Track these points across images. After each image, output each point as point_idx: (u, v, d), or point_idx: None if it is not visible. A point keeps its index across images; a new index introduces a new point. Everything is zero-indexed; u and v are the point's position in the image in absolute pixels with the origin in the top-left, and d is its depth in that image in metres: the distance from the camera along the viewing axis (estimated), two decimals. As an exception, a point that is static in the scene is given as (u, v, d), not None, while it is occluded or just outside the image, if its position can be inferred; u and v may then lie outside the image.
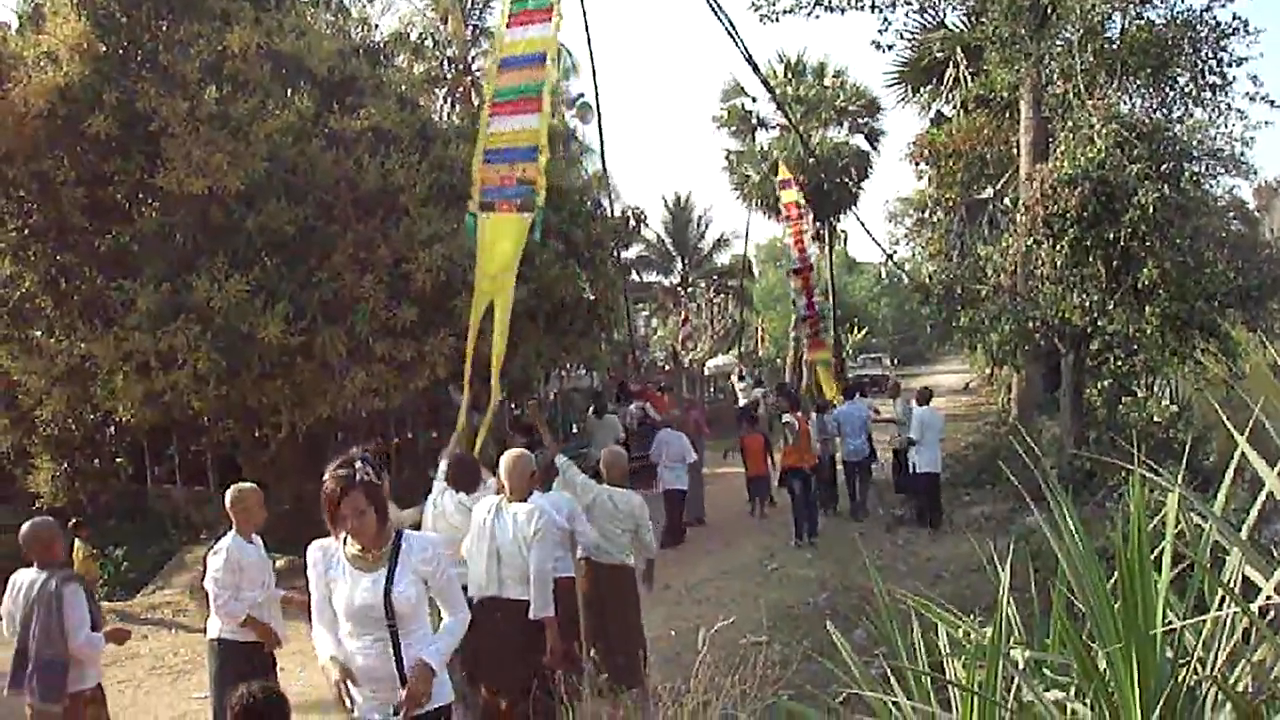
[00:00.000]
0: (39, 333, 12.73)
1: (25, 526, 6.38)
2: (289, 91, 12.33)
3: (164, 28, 12.21)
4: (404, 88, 15.40)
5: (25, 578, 6.32)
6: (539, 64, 10.82)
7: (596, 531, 8.00)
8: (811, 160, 33.46)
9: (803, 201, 23.34)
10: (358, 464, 4.57)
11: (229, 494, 7.03)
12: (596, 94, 22.52)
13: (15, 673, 6.08)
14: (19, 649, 6.14)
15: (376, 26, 15.82)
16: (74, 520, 13.21)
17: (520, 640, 6.57)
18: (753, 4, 21.78)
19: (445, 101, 29.79)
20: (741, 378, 29.33)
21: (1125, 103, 18.73)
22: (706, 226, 54.48)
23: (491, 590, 6.63)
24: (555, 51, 10.97)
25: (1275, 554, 3.85)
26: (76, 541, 13.03)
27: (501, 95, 10.73)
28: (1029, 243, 15.57)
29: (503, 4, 11.04)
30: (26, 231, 12.50)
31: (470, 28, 31.73)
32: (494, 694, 6.63)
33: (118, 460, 16.01)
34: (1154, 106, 19.42)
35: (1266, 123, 33.81)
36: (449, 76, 30.82)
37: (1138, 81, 19.28)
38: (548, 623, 6.52)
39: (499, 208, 10.72)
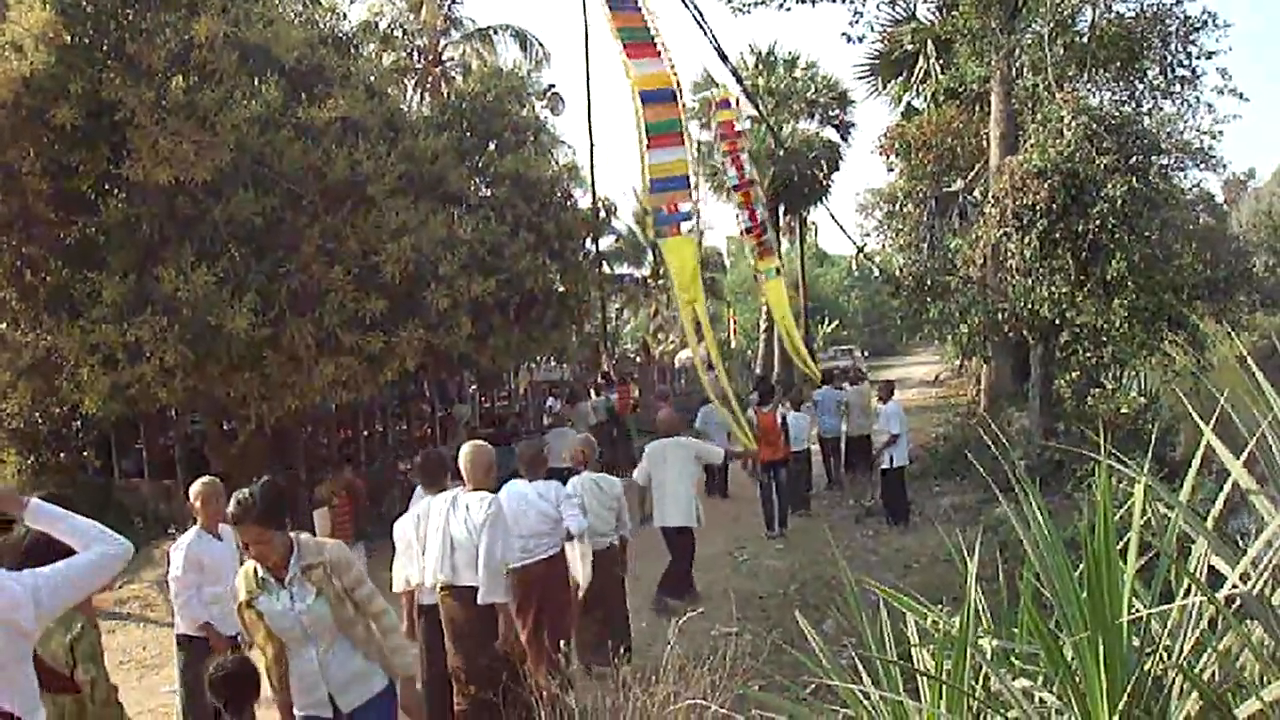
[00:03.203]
0: (4, 325, 12.58)
1: None
2: (256, 81, 12.21)
3: (130, 17, 12.07)
4: (372, 78, 15.31)
5: None
6: (672, 101, 12.19)
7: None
8: (782, 152, 33.50)
9: (739, 123, 23.52)
10: None
11: (192, 489, 6.98)
12: (588, 89, 22.55)
13: None
14: None
15: (345, 16, 15.69)
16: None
17: (476, 627, 6.63)
18: (724, -4, 21.81)
19: (415, 92, 29.69)
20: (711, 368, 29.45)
21: (1095, 96, 18.88)
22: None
23: (445, 576, 6.72)
24: (677, 85, 12.42)
25: (1241, 544, 3.86)
26: (43, 535, 12.92)
27: (654, 129, 12.18)
28: (998, 235, 15.64)
29: (611, 33, 12.04)
30: (-10, 223, 12.37)
31: (441, 17, 31.57)
32: (462, 684, 6.67)
33: (84, 453, 15.90)
34: (1123, 100, 19.58)
35: (1235, 116, 34.13)
36: (418, 67, 30.71)
37: (1107, 75, 19.42)
38: (498, 608, 6.59)
39: (669, 233, 12.80)
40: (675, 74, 12.67)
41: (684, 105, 12.73)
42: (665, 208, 12.57)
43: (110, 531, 3.89)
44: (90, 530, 3.85)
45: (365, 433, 19.02)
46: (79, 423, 14.98)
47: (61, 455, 15.49)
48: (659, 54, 12.49)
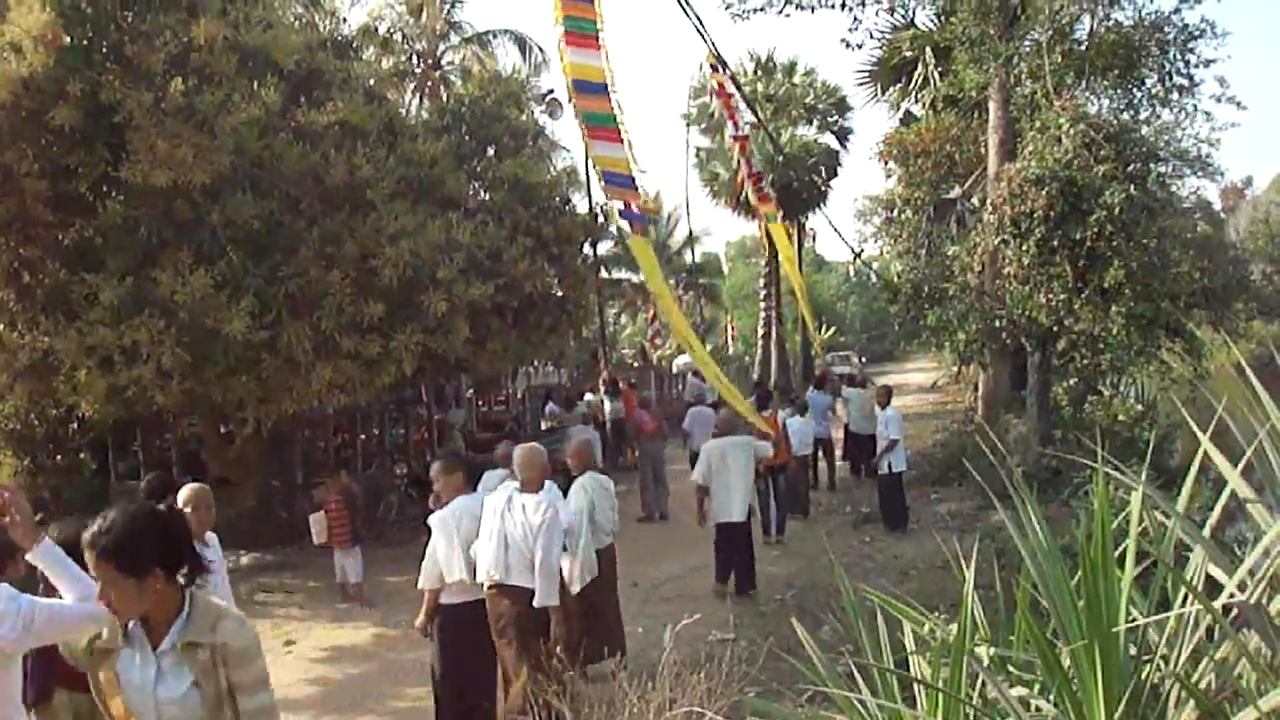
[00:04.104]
0: (1, 327, 12.58)
1: None
2: (255, 84, 12.22)
3: (129, 19, 12.08)
4: (371, 82, 15.32)
5: None
6: (604, 95, 12.17)
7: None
8: (781, 158, 33.50)
9: (731, 88, 24.00)
10: None
11: (180, 496, 6.96)
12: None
13: None
14: None
15: (344, 20, 15.70)
16: (38, 517, 13.09)
17: (527, 623, 6.85)
18: (724, 2, 21.81)
19: (414, 96, 29.70)
20: (696, 373, 30.12)
21: (1093, 103, 18.84)
22: (675, 224, 54.57)
23: (498, 576, 6.87)
24: (611, 82, 12.42)
25: (1238, 552, 3.86)
26: (39, 538, 12.91)
27: (591, 120, 12.18)
28: (996, 242, 15.64)
29: (554, 16, 12.03)
30: (-11, 225, 12.36)
31: (441, 22, 31.61)
32: (510, 677, 6.85)
33: (81, 456, 15.87)
34: (1121, 108, 19.53)
35: (1233, 124, 34.00)
36: (417, 71, 30.73)
37: (1105, 82, 19.38)
38: (551, 611, 6.85)
39: (636, 230, 12.78)
40: (611, 71, 12.79)
41: (618, 104, 12.81)
42: (624, 204, 12.76)
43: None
44: (86, 587, 3.72)
45: (362, 436, 19.00)
46: (76, 424, 14.95)
47: (58, 457, 15.46)
48: (599, 49, 12.61)
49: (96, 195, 12.24)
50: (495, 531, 6.92)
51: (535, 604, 6.75)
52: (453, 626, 7.16)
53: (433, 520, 7.24)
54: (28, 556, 3.87)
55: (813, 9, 21.72)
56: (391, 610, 11.67)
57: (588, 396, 22.63)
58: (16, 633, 3.59)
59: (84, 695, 4.54)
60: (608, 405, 21.82)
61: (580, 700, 5.87)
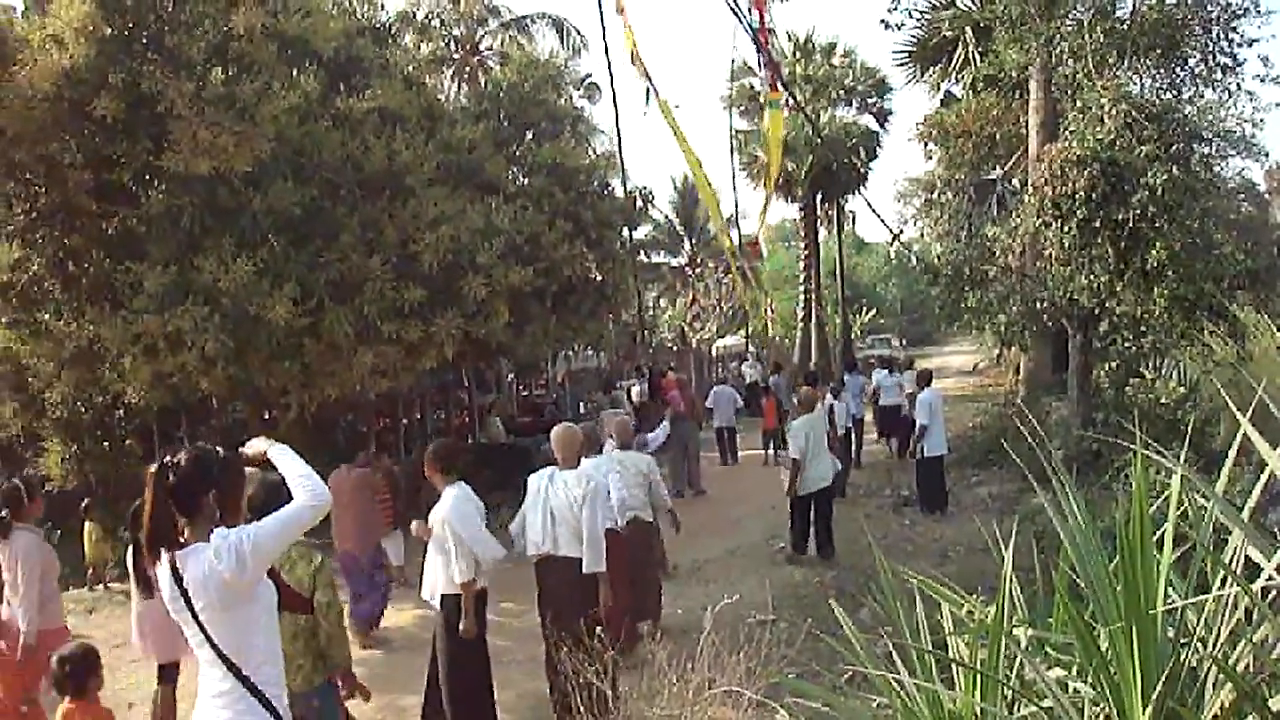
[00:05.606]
0: (47, 316, 12.73)
1: None
2: (295, 72, 12.30)
3: (169, 9, 12.17)
4: (410, 68, 15.39)
5: None
6: None
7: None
8: (820, 140, 33.39)
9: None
10: None
11: None
12: (611, 75, 22.65)
13: None
14: None
15: (382, 6, 15.78)
16: (84, 502, 13.34)
17: (575, 593, 7.09)
18: (762, -17, 21.79)
19: (452, 81, 29.79)
20: (744, 359, 30.48)
21: (1135, 83, 18.64)
22: (711, 208, 54.48)
23: (547, 547, 7.26)
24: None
25: (1278, 536, 3.85)
26: (88, 524, 13.16)
27: None
28: (1037, 223, 15.52)
29: None
30: (34, 215, 12.49)
31: (479, 6, 31.66)
32: (555, 644, 6.87)
33: (126, 442, 16.04)
34: (1164, 87, 19.33)
35: (1277, 105, 33.51)
36: (456, 56, 30.80)
37: (1148, 62, 19.18)
38: (600, 578, 7.12)
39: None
40: None
41: None
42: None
43: (313, 480, 3.99)
44: (299, 480, 3.99)
45: (404, 420, 19.14)
46: (121, 411, 15.12)
47: (104, 443, 15.63)
48: None
49: (139, 184, 12.36)
50: (540, 506, 7.25)
51: (586, 570, 7.02)
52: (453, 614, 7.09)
53: (469, 510, 6.90)
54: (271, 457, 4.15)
55: (852, -11, 21.67)
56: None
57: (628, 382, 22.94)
58: (234, 564, 3.66)
59: (305, 617, 5.33)
60: (635, 389, 22.00)
61: (620, 680, 5.92)
